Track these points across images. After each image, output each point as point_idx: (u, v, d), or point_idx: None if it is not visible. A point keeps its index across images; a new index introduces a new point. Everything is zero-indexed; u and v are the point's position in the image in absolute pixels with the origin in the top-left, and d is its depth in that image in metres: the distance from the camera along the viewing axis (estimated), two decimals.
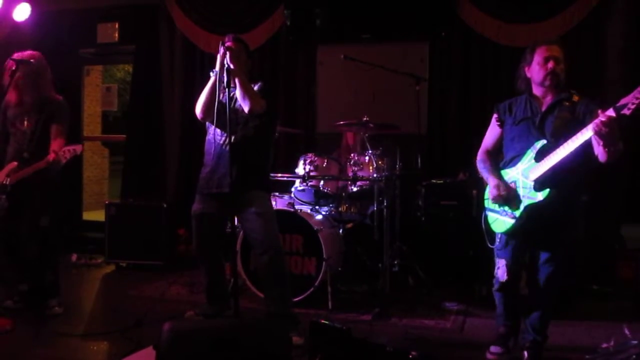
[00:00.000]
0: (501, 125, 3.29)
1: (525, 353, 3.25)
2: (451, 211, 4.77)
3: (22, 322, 3.89)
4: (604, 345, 3.26)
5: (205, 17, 6.25)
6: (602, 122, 2.67)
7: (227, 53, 3.33)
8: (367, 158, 4.71)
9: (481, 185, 3.44)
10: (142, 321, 3.86)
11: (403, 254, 4.79)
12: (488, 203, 3.27)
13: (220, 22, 6.17)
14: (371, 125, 4.67)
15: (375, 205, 4.67)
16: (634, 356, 3.02)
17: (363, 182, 4.68)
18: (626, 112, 2.62)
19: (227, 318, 3.73)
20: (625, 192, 4.99)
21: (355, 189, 4.74)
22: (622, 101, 2.65)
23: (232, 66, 3.32)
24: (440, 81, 5.62)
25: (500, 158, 3.31)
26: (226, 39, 3.52)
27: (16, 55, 4.03)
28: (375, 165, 4.63)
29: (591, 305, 4.36)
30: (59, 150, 3.86)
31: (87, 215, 7.82)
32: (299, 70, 6.10)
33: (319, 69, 6.03)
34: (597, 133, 2.71)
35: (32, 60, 4.02)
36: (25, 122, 4.02)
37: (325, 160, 4.77)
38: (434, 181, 4.93)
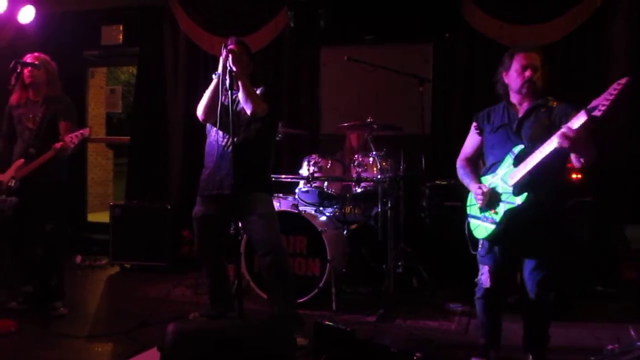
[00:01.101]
0: (480, 133, 3.29)
1: (530, 356, 3.24)
2: (455, 212, 4.73)
3: (27, 323, 3.90)
4: (609, 347, 3.24)
5: (209, 19, 6.26)
6: (563, 134, 2.66)
7: (230, 56, 3.34)
8: (371, 159, 4.71)
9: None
10: (146, 322, 3.88)
11: (407, 255, 4.79)
12: (470, 210, 3.27)
13: (223, 24, 6.17)
14: (375, 126, 4.67)
15: (379, 206, 4.68)
16: (639, 357, 3.01)
17: (367, 183, 4.69)
18: (597, 114, 2.59)
19: (231, 319, 3.73)
20: (630, 193, 4.97)
21: (359, 190, 4.74)
22: (593, 103, 2.62)
23: (234, 69, 3.33)
24: (444, 82, 5.61)
25: (480, 166, 3.32)
26: (229, 42, 3.54)
27: (28, 57, 4.06)
28: (379, 166, 4.63)
29: (595, 307, 4.34)
30: (68, 140, 3.87)
31: (92, 217, 7.83)
32: (302, 72, 6.10)
33: (322, 70, 6.03)
34: (561, 145, 2.69)
35: (38, 62, 4.05)
36: (32, 121, 4.04)
37: (329, 162, 4.78)
38: (438, 182, 4.92)
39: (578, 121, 2.66)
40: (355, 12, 5.74)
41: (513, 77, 3.10)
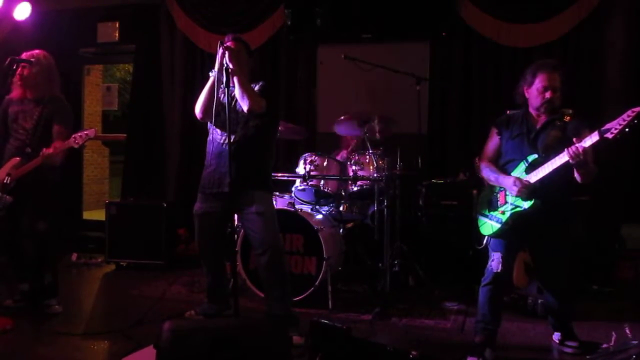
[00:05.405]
0: (501, 138, 3.46)
1: (560, 333, 3.50)
2: (451, 211, 4.77)
3: (23, 321, 3.89)
4: (604, 345, 3.27)
5: (206, 17, 6.25)
6: (573, 151, 2.93)
7: (226, 53, 3.33)
8: (367, 158, 4.71)
9: (481, 185, 3.60)
10: (142, 320, 3.87)
11: (403, 253, 4.78)
12: (482, 207, 3.43)
13: (220, 21, 6.17)
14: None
15: (375, 205, 4.67)
16: (634, 356, 3.02)
17: (363, 181, 4.69)
18: (609, 136, 2.85)
19: (227, 317, 3.73)
20: (626, 192, 4.98)
21: (355, 189, 4.74)
22: (607, 125, 2.86)
23: (231, 66, 3.32)
24: (441, 81, 5.61)
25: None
26: (226, 39, 3.53)
27: (24, 55, 4.03)
28: (375, 164, 4.63)
29: (591, 306, 4.35)
30: (54, 150, 3.86)
31: (88, 215, 7.82)
32: (299, 70, 6.10)
33: (319, 68, 6.03)
34: (571, 158, 2.95)
35: (33, 60, 4.02)
36: (28, 119, 4.02)
37: (326, 160, 4.77)
38: (435, 181, 4.93)
39: (590, 140, 2.92)
40: (353, 10, 5.75)
41: (534, 95, 3.30)
